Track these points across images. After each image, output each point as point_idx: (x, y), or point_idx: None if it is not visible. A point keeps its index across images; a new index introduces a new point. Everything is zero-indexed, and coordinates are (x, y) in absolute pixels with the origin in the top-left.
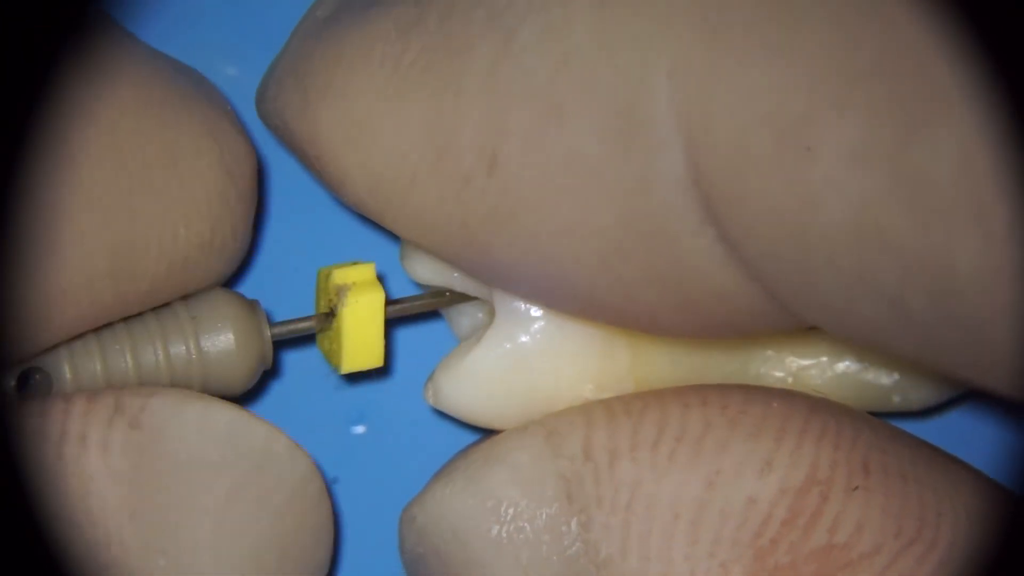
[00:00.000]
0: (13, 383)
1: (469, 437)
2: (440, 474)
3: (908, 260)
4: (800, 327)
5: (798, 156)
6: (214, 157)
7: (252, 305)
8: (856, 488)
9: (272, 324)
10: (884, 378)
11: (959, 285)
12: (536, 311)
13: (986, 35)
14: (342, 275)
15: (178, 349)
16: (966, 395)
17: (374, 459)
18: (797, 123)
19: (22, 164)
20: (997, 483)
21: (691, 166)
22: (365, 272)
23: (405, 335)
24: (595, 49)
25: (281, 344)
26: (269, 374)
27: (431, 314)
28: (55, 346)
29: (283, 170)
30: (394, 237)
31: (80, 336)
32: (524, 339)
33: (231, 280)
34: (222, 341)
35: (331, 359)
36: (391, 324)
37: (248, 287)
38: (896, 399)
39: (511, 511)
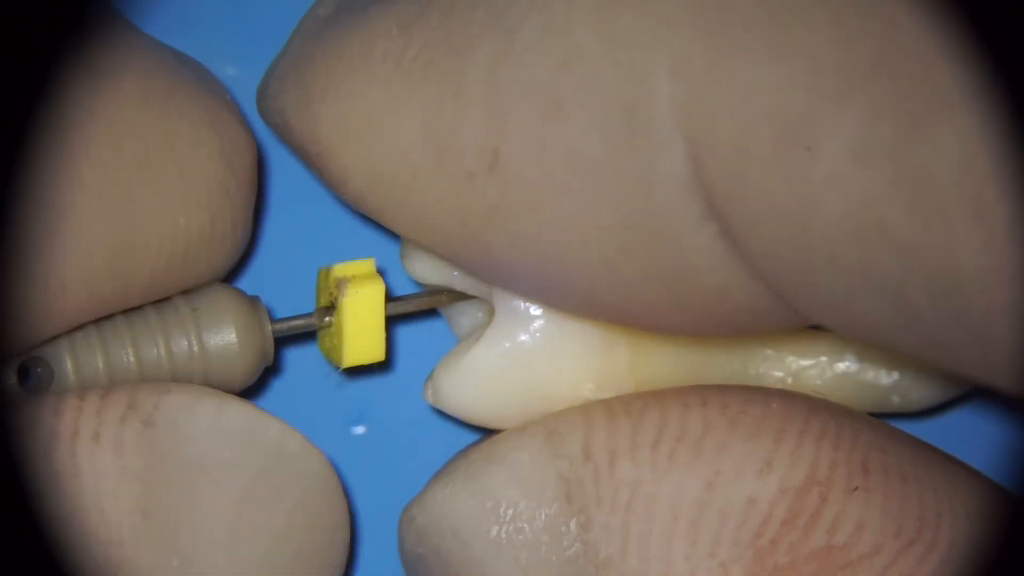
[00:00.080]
0: (14, 376)
1: (469, 437)
2: (440, 474)
3: (910, 258)
4: (801, 325)
5: (799, 154)
6: (214, 147)
7: (253, 301)
8: (856, 488)
9: (273, 320)
10: (884, 378)
11: (961, 283)
12: (536, 310)
13: (986, 34)
14: (342, 269)
15: (179, 344)
16: (965, 395)
17: (374, 459)
18: (798, 121)
19: (22, 156)
20: (996, 483)
21: (692, 164)
22: (365, 266)
23: (405, 334)
24: (596, 47)
25: (282, 340)
26: (270, 373)
27: (431, 313)
28: (56, 338)
29: (284, 167)
30: (394, 236)
31: (81, 329)
32: (524, 338)
33: (232, 276)
34: (223, 337)
35: (332, 356)
36: (391, 322)
37: (249, 284)
38: (896, 399)
39: (510, 512)
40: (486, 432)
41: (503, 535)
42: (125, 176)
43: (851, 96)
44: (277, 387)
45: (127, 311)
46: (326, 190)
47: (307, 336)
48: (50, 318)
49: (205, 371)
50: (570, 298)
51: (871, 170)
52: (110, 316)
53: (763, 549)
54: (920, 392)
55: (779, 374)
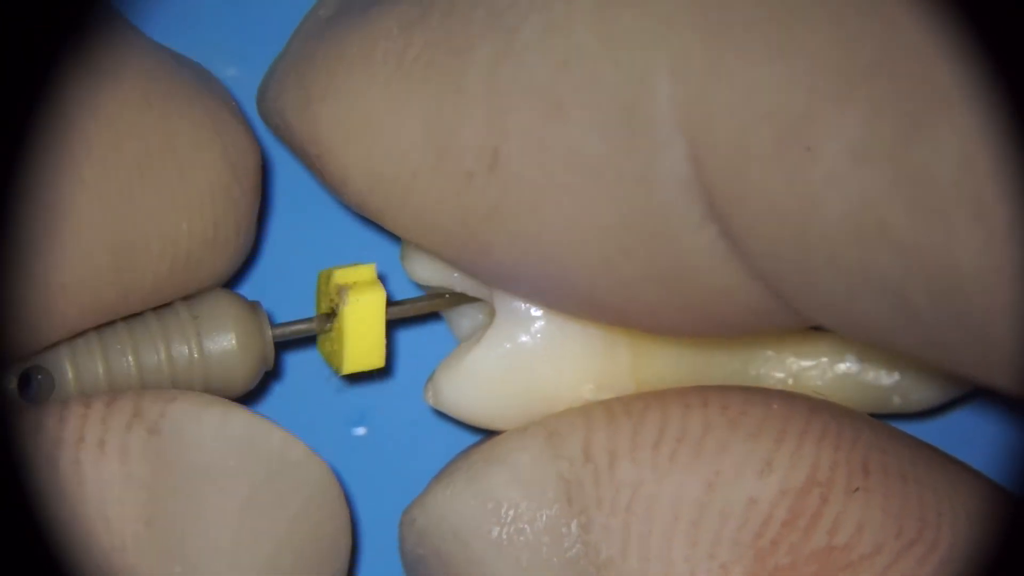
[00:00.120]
0: (15, 383)
1: (470, 438)
2: (440, 476)
3: (910, 257)
4: (801, 326)
5: (799, 154)
6: (216, 151)
7: (253, 306)
8: (856, 489)
9: (273, 325)
10: (884, 379)
11: (961, 282)
12: (536, 311)
13: (986, 34)
14: (343, 275)
15: (180, 350)
16: (966, 396)
17: (375, 460)
18: (798, 121)
19: (22, 157)
20: (997, 484)
21: (692, 164)
22: (366, 272)
23: (406, 336)
24: (597, 48)
25: (282, 345)
26: (271, 376)
27: (432, 316)
28: (56, 345)
29: (284, 171)
30: (394, 238)
31: (82, 335)
32: (524, 339)
33: (232, 282)
34: (224, 342)
35: (332, 361)
36: (391, 326)
37: (249, 289)
38: (896, 400)
39: (511, 513)
40: (487, 433)
41: (504, 536)
42: (125, 177)
43: (851, 96)
44: (278, 389)
45: (127, 317)
46: (326, 194)
47: (308, 340)
48: (52, 321)
49: (206, 377)
50: (570, 299)
51: (871, 170)
52: (111, 322)
53: (764, 550)
54: (921, 393)
55: (780, 375)
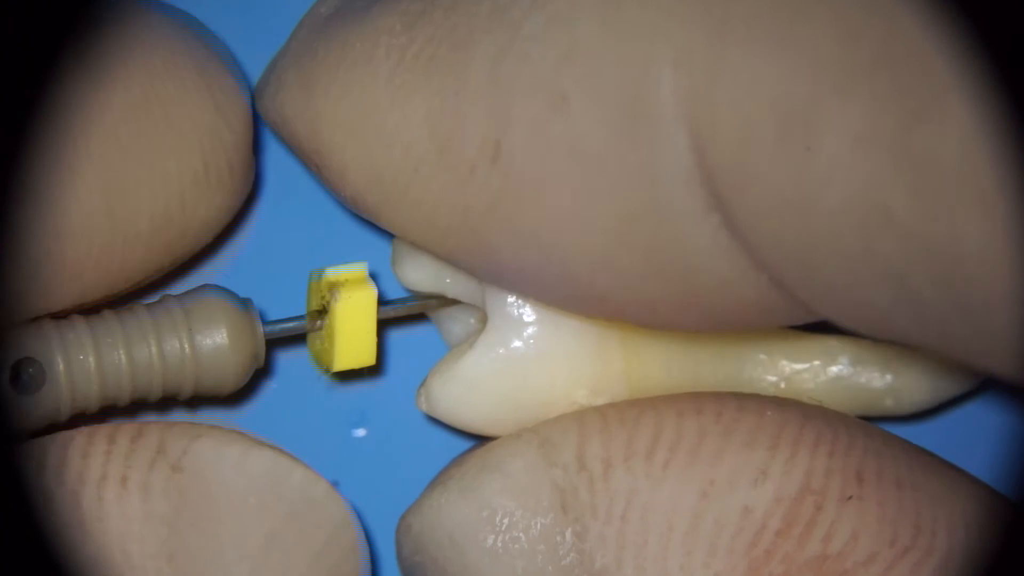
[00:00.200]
0: (6, 376)
1: (469, 439)
2: (436, 482)
3: (914, 245)
4: (802, 320)
5: (802, 144)
6: (201, 92)
7: (245, 303)
8: (851, 497)
9: (265, 323)
10: (877, 382)
11: (965, 269)
12: (529, 316)
13: (986, 25)
14: (335, 273)
15: (171, 345)
16: (959, 398)
17: (375, 462)
18: (801, 111)
19: (11, 111)
20: (994, 490)
21: (696, 155)
22: (357, 271)
23: (405, 337)
24: (599, 40)
25: (274, 343)
26: (266, 376)
27: (423, 318)
28: (47, 338)
29: (276, 170)
30: (387, 237)
31: (73, 329)
32: (517, 344)
33: (224, 279)
34: (215, 338)
35: (322, 360)
36: (382, 327)
37: (241, 287)
38: (889, 402)
39: (506, 521)
40: (482, 438)
41: (499, 544)
42: (111, 122)
43: (854, 86)
44: (279, 390)
45: (119, 311)
46: (318, 193)
47: (299, 339)
48: (52, 269)
49: (196, 372)
50: (570, 293)
51: (874, 158)
52: (101, 316)
53: (758, 559)
54: (914, 395)
55: (772, 378)
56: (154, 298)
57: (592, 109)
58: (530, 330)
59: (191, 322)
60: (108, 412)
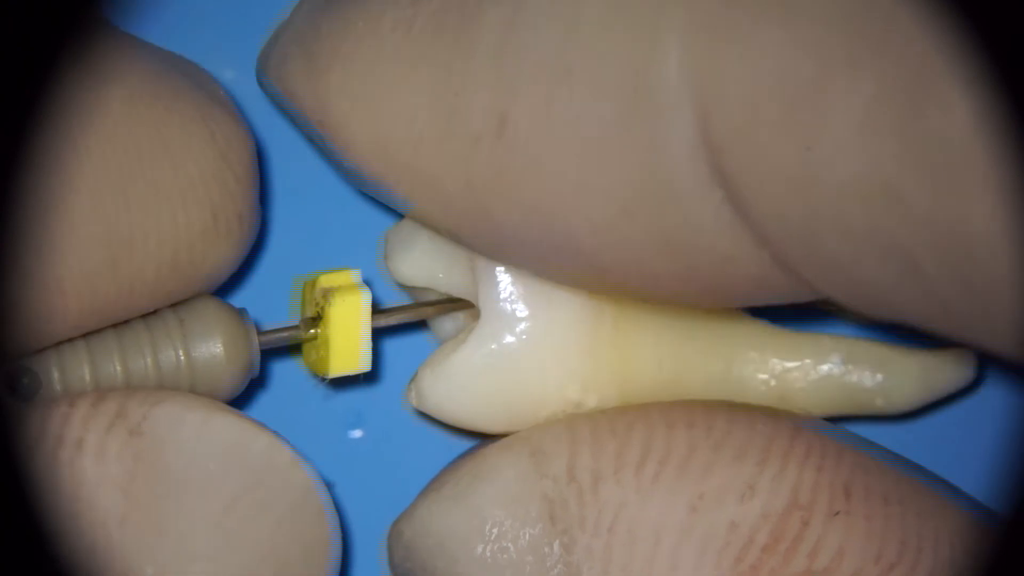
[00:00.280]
0: (2, 384)
1: (466, 440)
2: (428, 489)
3: (919, 222)
4: (803, 298)
5: (808, 119)
6: (206, 142)
7: (240, 313)
8: (837, 513)
9: (260, 332)
10: (867, 380)
11: (969, 247)
12: (521, 312)
13: (990, 10)
14: (327, 280)
15: (167, 355)
16: (949, 397)
17: (371, 463)
18: (808, 86)
19: (16, 158)
20: (983, 506)
21: (701, 129)
22: (349, 276)
23: (401, 339)
24: (606, 13)
25: (268, 352)
26: (267, 378)
27: (418, 325)
28: (43, 348)
29: (274, 184)
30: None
31: (69, 339)
32: (508, 340)
33: (219, 289)
34: (211, 348)
35: (317, 367)
36: (377, 333)
37: (236, 297)
38: (879, 401)
39: (495, 531)
40: (481, 439)
41: (488, 554)
42: (116, 173)
43: (862, 62)
44: (276, 390)
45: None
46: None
47: (294, 348)
48: (53, 320)
49: (192, 382)
50: (573, 266)
51: (881, 135)
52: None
53: (743, 574)
54: (904, 394)
55: (762, 376)
56: None
57: (597, 83)
58: (522, 326)
59: (186, 331)
60: None
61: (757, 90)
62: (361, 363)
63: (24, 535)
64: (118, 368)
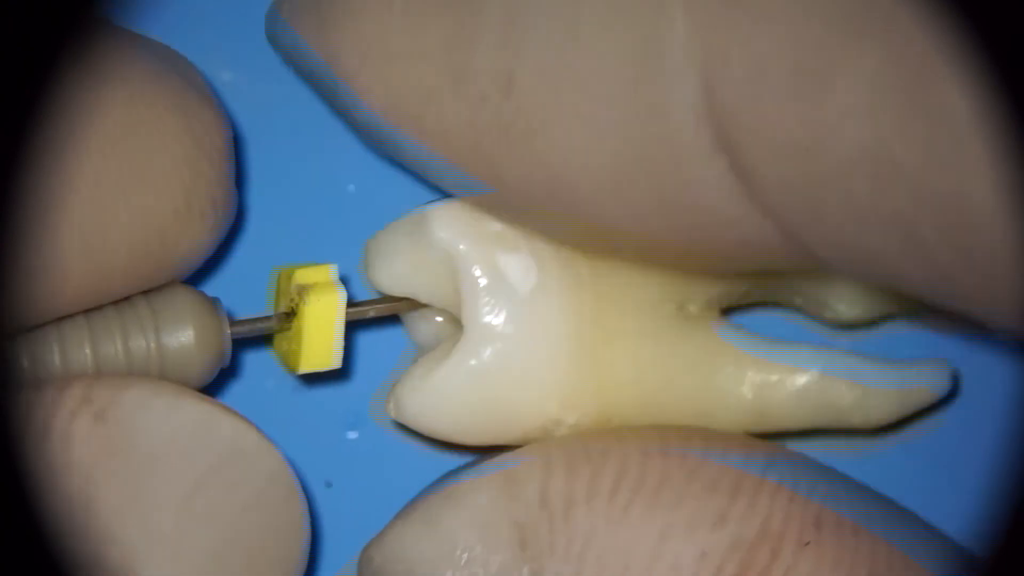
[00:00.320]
0: None
1: (452, 450)
2: (399, 515)
3: (922, 193)
4: (804, 265)
5: (814, 87)
6: (179, 126)
7: (213, 302)
8: (808, 543)
9: (232, 322)
10: (845, 395)
11: (972, 218)
12: (504, 328)
13: None
14: (303, 275)
15: (137, 343)
16: (925, 410)
17: (368, 464)
18: (815, 54)
19: None
20: (952, 540)
21: (706, 94)
22: (326, 273)
23: (399, 338)
24: None
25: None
26: (264, 377)
27: (391, 319)
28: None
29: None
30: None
31: (40, 326)
32: (490, 357)
33: (192, 278)
34: (181, 337)
35: (288, 361)
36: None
37: (209, 286)
38: (857, 416)
39: (465, 556)
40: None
41: None
42: (87, 159)
43: (870, 30)
44: (273, 391)
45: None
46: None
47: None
48: (23, 305)
49: (161, 370)
50: (578, 224)
51: (886, 109)
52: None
53: None
54: (882, 408)
55: (741, 390)
56: None
57: (604, 44)
58: (503, 343)
59: (158, 320)
60: None
61: (763, 58)
62: (332, 361)
63: None
64: (88, 355)
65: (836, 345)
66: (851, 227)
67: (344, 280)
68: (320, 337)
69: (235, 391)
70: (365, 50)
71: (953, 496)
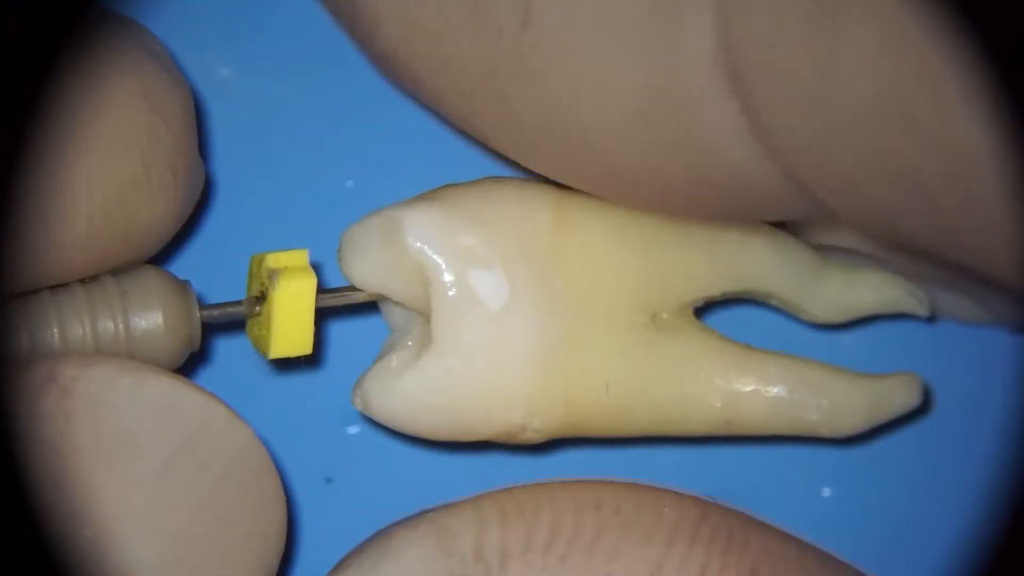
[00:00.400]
0: None
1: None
2: (334, 569)
3: (930, 143)
4: (809, 215)
5: (830, 33)
6: (134, 90)
7: (183, 285)
8: None
9: (202, 306)
10: (813, 406)
11: (977, 169)
12: (473, 334)
13: None
14: (275, 260)
15: (105, 325)
16: (894, 422)
17: (368, 459)
18: (832, 1)
19: None
20: None
21: (722, 35)
22: (298, 257)
23: None
24: None
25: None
26: (263, 372)
27: (365, 307)
28: None
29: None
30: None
31: (6, 305)
32: (457, 362)
33: (163, 261)
34: (150, 319)
35: (259, 346)
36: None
37: (180, 270)
38: (823, 427)
39: None
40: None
41: None
42: (34, 124)
43: None
44: (273, 387)
45: (54, 288)
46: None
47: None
48: None
49: (130, 353)
50: (588, 166)
51: (901, 60)
52: (36, 293)
53: None
54: (848, 419)
55: (709, 399)
56: None
57: None
58: (471, 349)
59: (127, 302)
60: None
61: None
62: (303, 346)
63: None
64: (56, 336)
65: (810, 350)
66: (859, 175)
67: (316, 266)
68: (292, 322)
69: (235, 388)
70: None
71: (953, 496)
